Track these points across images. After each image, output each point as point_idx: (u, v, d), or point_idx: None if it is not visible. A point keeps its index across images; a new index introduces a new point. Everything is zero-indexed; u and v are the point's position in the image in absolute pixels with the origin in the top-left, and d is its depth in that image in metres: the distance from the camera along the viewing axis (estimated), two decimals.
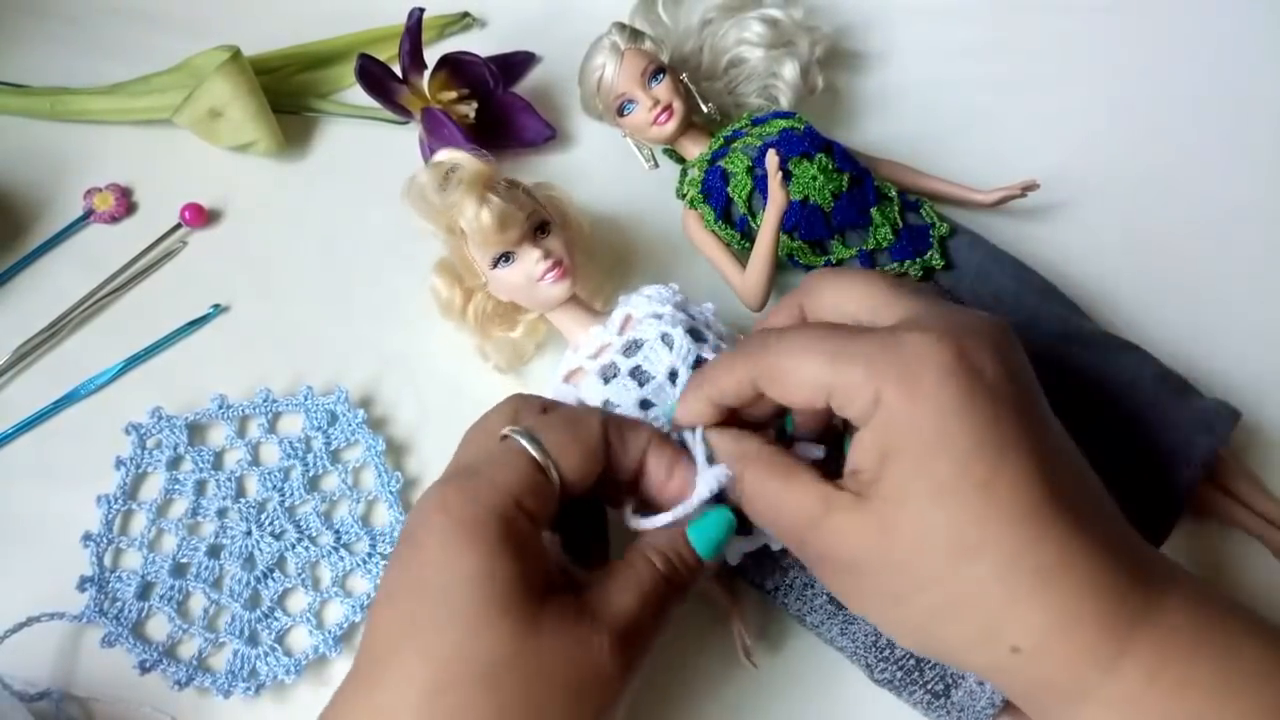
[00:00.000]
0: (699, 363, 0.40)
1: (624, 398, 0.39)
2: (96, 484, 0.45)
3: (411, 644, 0.30)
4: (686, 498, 0.34)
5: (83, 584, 0.43)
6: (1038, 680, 0.30)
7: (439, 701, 0.29)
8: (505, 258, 0.42)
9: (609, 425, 0.35)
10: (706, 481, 0.33)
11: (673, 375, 0.39)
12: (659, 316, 0.41)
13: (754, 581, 0.40)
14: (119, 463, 0.45)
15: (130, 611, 0.42)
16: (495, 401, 0.46)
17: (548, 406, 0.36)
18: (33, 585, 0.43)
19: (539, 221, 0.43)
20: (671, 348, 0.40)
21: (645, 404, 0.39)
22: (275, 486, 0.45)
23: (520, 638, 0.30)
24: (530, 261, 0.42)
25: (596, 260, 0.48)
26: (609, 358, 0.41)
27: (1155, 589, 0.29)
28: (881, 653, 0.38)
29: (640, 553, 0.33)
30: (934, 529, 0.29)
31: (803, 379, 0.32)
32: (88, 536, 0.44)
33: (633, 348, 0.41)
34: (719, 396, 0.35)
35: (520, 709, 0.29)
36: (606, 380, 0.40)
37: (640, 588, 0.32)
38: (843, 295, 0.34)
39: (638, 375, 0.40)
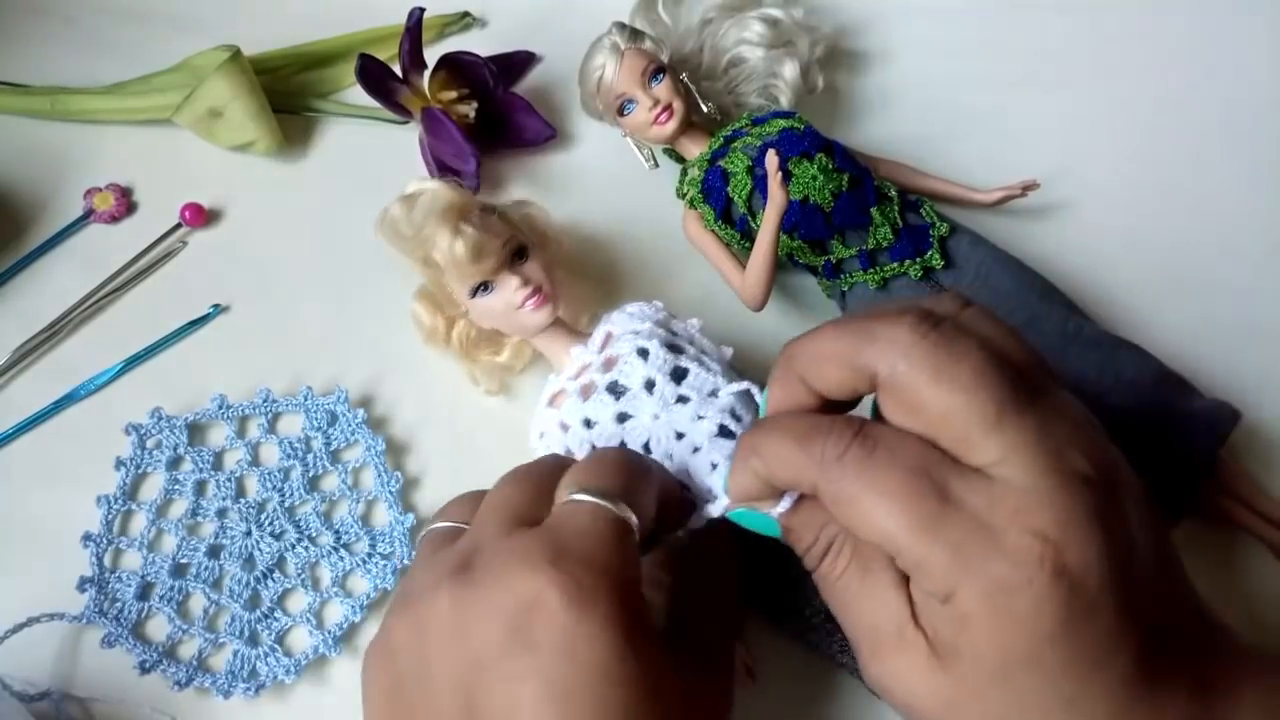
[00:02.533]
0: (678, 373, 0.39)
1: (601, 414, 0.38)
2: (96, 484, 0.45)
3: None
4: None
5: (82, 584, 0.43)
6: None
7: None
8: (484, 286, 0.42)
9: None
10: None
11: (649, 385, 0.38)
12: (637, 333, 0.40)
13: (775, 619, 0.40)
14: (119, 463, 0.45)
15: (130, 612, 0.42)
16: (495, 400, 0.47)
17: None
18: (32, 586, 0.43)
19: (516, 247, 0.43)
20: (646, 359, 0.39)
21: (623, 416, 0.38)
22: (275, 487, 0.45)
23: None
24: (509, 290, 0.42)
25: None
26: (588, 377, 0.40)
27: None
28: None
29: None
30: None
31: (877, 528, 0.28)
32: (87, 537, 0.44)
33: (610, 364, 0.40)
34: (769, 475, 0.31)
35: None
36: (585, 398, 0.39)
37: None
38: (941, 397, 0.28)
39: (614, 389, 0.39)
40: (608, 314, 0.42)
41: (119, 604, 0.43)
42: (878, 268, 0.46)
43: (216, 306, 0.49)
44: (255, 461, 0.46)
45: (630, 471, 0.32)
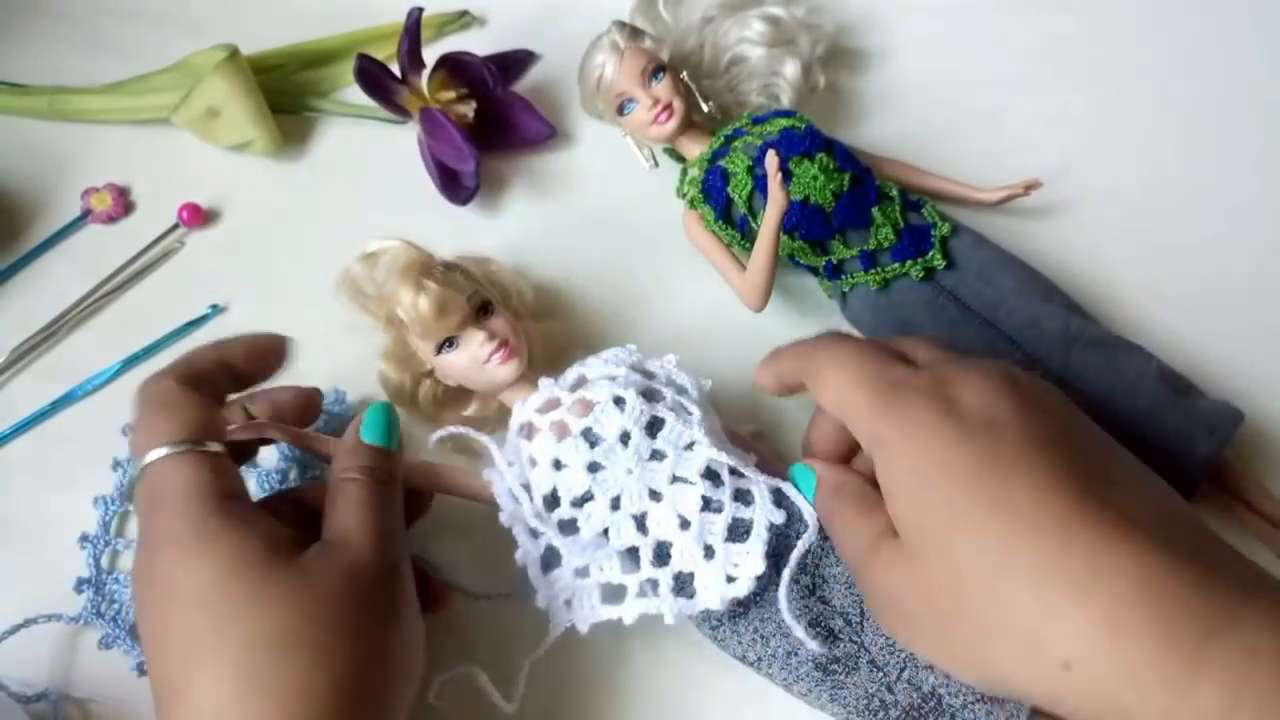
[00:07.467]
0: (654, 424, 0.38)
1: (574, 459, 0.38)
2: (94, 485, 0.44)
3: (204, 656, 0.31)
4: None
5: (80, 585, 0.42)
6: (1106, 701, 0.28)
7: (252, 681, 0.30)
8: (449, 343, 0.41)
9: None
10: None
11: (624, 438, 0.38)
12: (613, 379, 0.39)
13: (736, 655, 0.39)
14: (116, 464, 0.45)
15: (128, 613, 0.42)
16: None
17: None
18: (30, 586, 0.43)
19: (480, 302, 0.42)
20: (623, 409, 0.38)
21: (594, 466, 0.38)
22: (273, 488, 0.45)
23: (297, 588, 0.32)
24: (475, 344, 0.41)
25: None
26: (560, 415, 0.39)
27: (1233, 599, 0.27)
28: (876, 716, 0.36)
29: (340, 478, 0.36)
30: (957, 556, 0.30)
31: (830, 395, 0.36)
32: (85, 538, 0.44)
33: (585, 409, 0.39)
34: (779, 376, 0.39)
35: (332, 641, 0.32)
36: (559, 438, 0.38)
37: (359, 501, 0.35)
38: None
39: (589, 436, 0.38)
40: (582, 360, 0.42)
41: (116, 605, 0.42)
42: (879, 268, 0.46)
43: (214, 307, 0.49)
44: (253, 463, 0.45)
45: (175, 406, 0.35)
